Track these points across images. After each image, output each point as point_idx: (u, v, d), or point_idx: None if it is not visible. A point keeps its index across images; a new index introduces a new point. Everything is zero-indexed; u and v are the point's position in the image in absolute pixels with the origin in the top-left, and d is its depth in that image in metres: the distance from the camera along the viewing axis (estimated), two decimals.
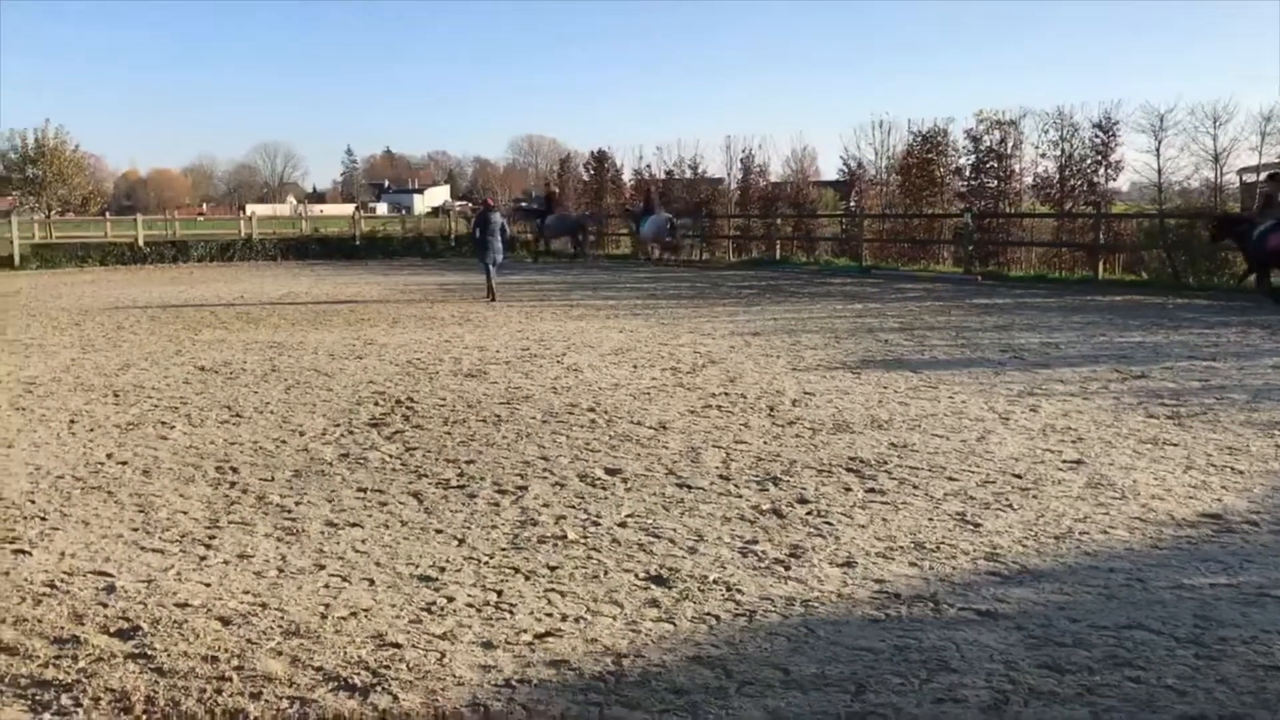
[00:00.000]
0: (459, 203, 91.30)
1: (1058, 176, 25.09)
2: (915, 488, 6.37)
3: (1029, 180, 26.38)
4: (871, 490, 6.34)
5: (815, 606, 4.53)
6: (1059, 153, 24.97)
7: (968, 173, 27.17)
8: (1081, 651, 4.02)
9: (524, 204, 43.06)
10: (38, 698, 3.73)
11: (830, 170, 36.79)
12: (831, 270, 26.33)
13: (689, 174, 35.32)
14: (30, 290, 22.28)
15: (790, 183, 33.25)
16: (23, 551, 5.31)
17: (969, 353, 11.98)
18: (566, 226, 31.98)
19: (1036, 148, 25.58)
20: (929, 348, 12.41)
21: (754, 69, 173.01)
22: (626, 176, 38.24)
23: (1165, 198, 23.65)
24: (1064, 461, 6.94)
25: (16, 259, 29.40)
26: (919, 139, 28.18)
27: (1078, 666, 3.89)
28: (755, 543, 5.40)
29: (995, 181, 26.23)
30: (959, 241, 25.27)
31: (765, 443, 7.62)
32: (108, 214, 51.15)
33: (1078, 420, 8.17)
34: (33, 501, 6.23)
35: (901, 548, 5.29)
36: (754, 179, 33.50)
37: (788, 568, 5.02)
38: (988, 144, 26.24)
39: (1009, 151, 26.08)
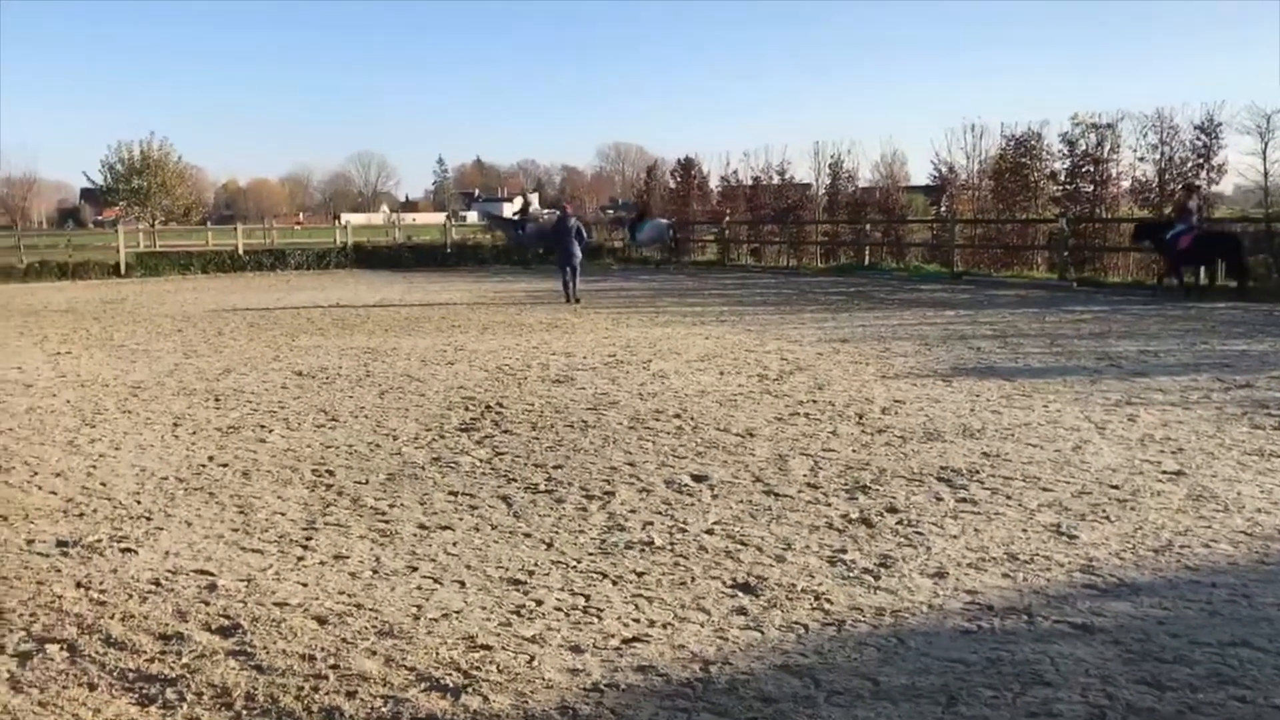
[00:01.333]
0: (546, 211, 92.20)
1: (1157, 180, 24.40)
2: (1008, 498, 6.26)
3: (1126, 184, 25.70)
4: (963, 500, 6.25)
5: (905, 617, 4.48)
6: (1158, 156, 24.27)
7: (1063, 177, 26.55)
8: (1183, 668, 3.91)
9: (611, 211, 43.32)
10: (144, 691, 3.86)
11: (920, 175, 36.33)
12: (922, 276, 25.98)
13: (776, 180, 35.15)
14: (136, 297, 23.07)
15: (879, 188, 32.89)
16: (130, 550, 5.51)
17: (1064, 361, 11.72)
18: (658, 233, 32.00)
19: (1134, 151, 24.88)
20: (1022, 355, 12.17)
21: (844, 74, 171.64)
22: (714, 183, 38.21)
23: (1272, 201, 22.82)
24: (1164, 473, 6.75)
25: (123, 267, 30.47)
26: (1012, 143, 27.66)
27: (1179, 684, 3.79)
28: (844, 552, 5.35)
29: (1091, 186, 25.58)
30: (1054, 247, 24.73)
31: (854, 451, 7.55)
32: (209, 223, 52.76)
33: (1178, 430, 7.95)
34: (139, 502, 6.45)
35: (994, 559, 5.20)
36: (842, 184, 33.22)
37: (877, 577, 4.97)
38: (1084, 148, 25.63)
39: (1106, 155, 25.42)
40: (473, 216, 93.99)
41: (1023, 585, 4.82)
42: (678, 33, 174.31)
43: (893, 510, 6.07)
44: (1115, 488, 6.41)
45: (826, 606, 4.61)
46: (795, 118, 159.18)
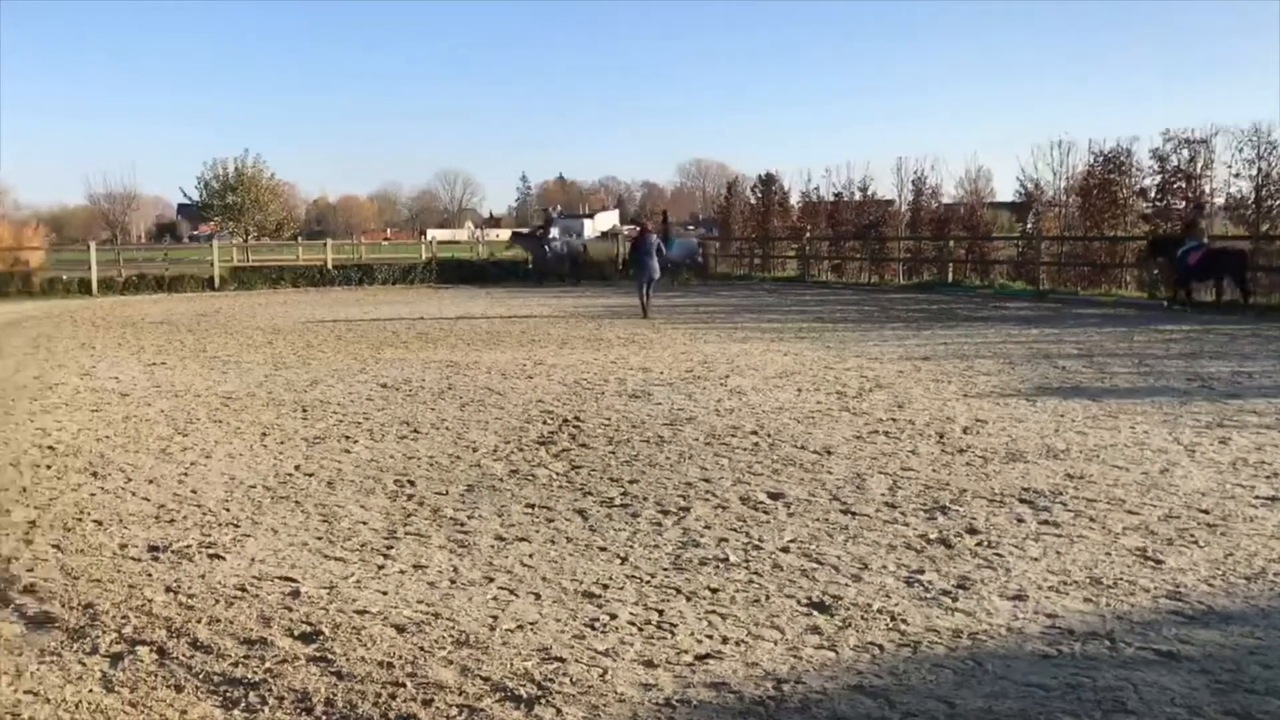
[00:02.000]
0: (627, 227, 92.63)
1: (1253, 197, 23.70)
2: (1092, 520, 6.13)
3: (1221, 201, 25.02)
4: (1045, 522, 6.13)
5: (983, 640, 4.41)
6: (1255, 172, 23.60)
7: (1153, 194, 25.97)
8: (1275, 700, 3.79)
9: (625, 230, 43.04)
10: (228, 694, 3.97)
11: (1006, 192, 35.88)
12: (1006, 294, 25.57)
13: (858, 196, 34.93)
14: (228, 310, 23.73)
15: (963, 204, 32.51)
16: (218, 556, 5.67)
17: (1152, 381, 11.45)
18: (686, 251, 31.60)
19: (1229, 167, 24.24)
20: (1109, 375, 11.91)
21: (927, 89, 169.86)
22: (794, 199, 38.10)
23: None
24: (1257, 498, 6.55)
25: (216, 281, 31.37)
26: (1100, 159, 27.14)
27: (1271, 716, 3.67)
28: (921, 572, 5.29)
29: (1183, 203, 24.96)
30: (1143, 265, 24.16)
31: (934, 470, 7.46)
32: (299, 238, 53.99)
33: (1273, 454, 7.70)
34: (228, 509, 6.64)
35: (1076, 582, 5.09)
36: (925, 201, 32.89)
37: (955, 599, 4.91)
38: (1175, 163, 25.04)
39: (1199, 171, 24.80)
40: (553, 233, 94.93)
41: (1105, 610, 4.72)
42: (759, 49, 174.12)
43: (972, 531, 5.98)
44: (1205, 512, 6.24)
45: (902, 627, 4.56)
46: (878, 133, 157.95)
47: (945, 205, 33.00)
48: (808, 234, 34.76)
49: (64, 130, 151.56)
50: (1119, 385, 11.20)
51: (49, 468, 7.80)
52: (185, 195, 58.61)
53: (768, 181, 38.74)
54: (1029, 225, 31.11)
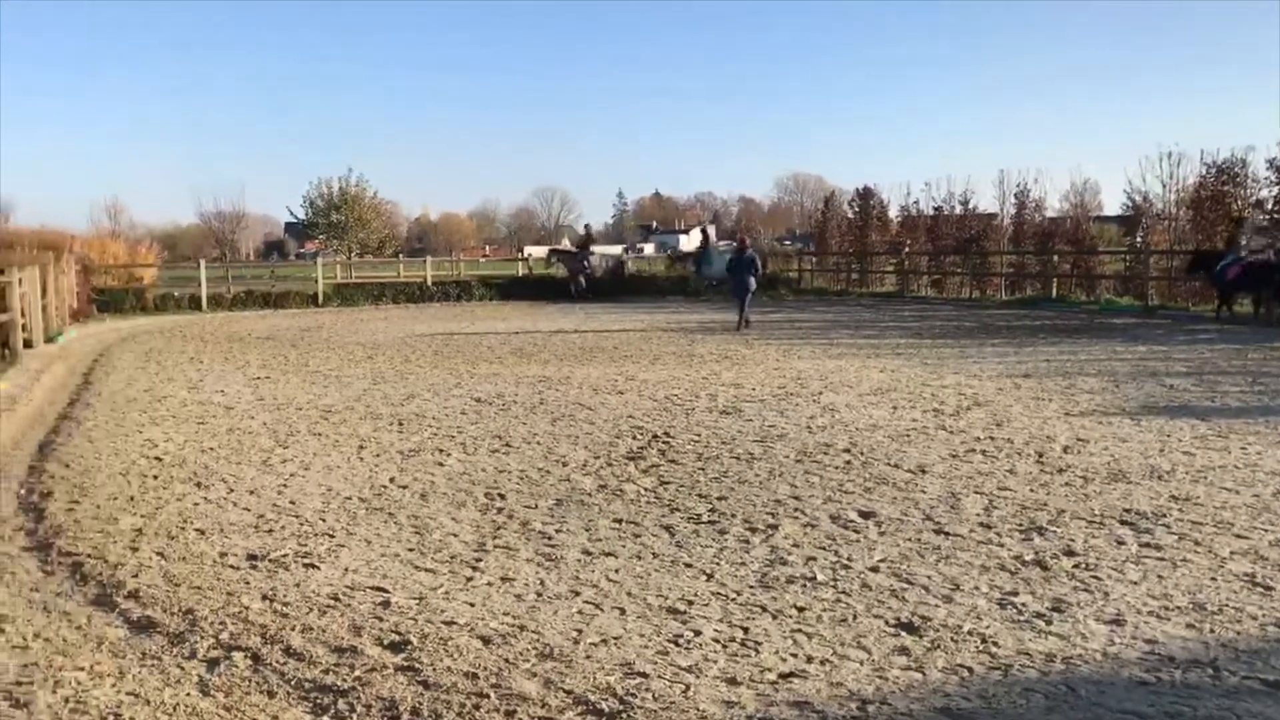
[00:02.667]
0: (723, 242, 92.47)
1: None
2: (1197, 544, 5.91)
3: None
4: (1147, 545, 5.93)
5: (1077, 664, 4.28)
6: None
7: (1270, 205, 25.00)
8: None
9: (670, 250, 42.32)
10: (318, 701, 4.05)
11: (1113, 205, 34.99)
12: (1113, 310, 24.88)
13: (958, 209, 34.36)
14: (331, 326, 24.33)
15: (1068, 218, 31.77)
16: (313, 566, 5.79)
17: (1266, 400, 11.00)
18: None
19: None
20: (1220, 394, 11.49)
21: (1031, 100, 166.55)
22: (893, 213, 37.66)
23: None
24: None
25: (320, 297, 32.19)
26: (1213, 170, 26.23)
27: None
28: (1015, 594, 5.16)
29: None
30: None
31: (1031, 490, 7.28)
32: (400, 256, 55.12)
33: None
34: (324, 520, 6.79)
35: (1178, 608, 4.91)
36: (1029, 214, 32.21)
37: (1049, 622, 4.77)
38: None
39: None
40: (649, 248, 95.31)
41: (1209, 637, 4.54)
42: (858, 63, 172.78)
43: (1070, 553, 5.81)
44: None
45: (993, 650, 4.45)
46: (979, 146, 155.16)
47: (1049, 219, 32.29)
48: (907, 248, 34.30)
49: (177, 151, 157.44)
50: (1230, 404, 10.80)
51: (156, 477, 8.08)
52: (291, 214, 60.46)
53: (865, 195, 38.36)
54: (1137, 239, 30.26)
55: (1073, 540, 6.05)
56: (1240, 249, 20.96)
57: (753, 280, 21.60)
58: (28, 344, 18.16)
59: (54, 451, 9.09)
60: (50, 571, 5.77)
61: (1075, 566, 5.58)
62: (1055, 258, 29.76)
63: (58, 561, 5.93)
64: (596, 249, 36.70)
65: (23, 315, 17.87)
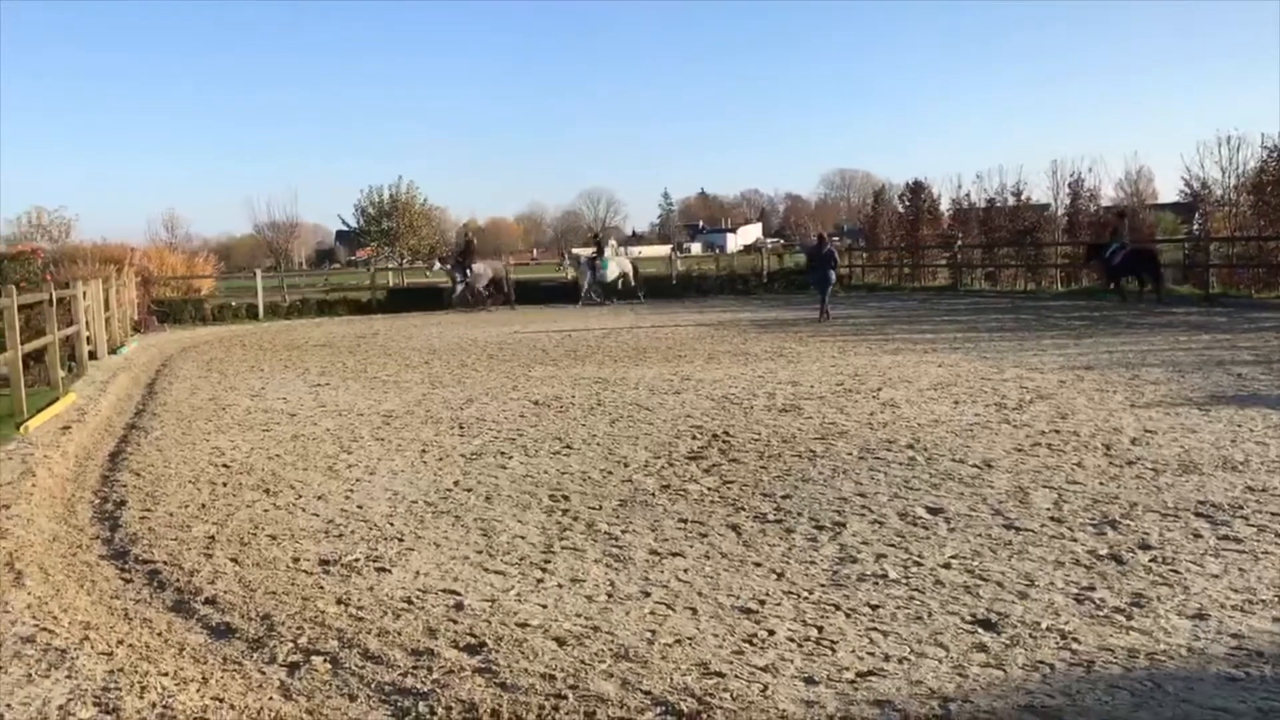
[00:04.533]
0: (771, 240, 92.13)
1: None
2: (1278, 536, 5.78)
3: None
4: (1225, 537, 5.82)
5: (1162, 660, 4.21)
6: None
7: None
8: None
9: (576, 252, 40.68)
10: (399, 703, 4.09)
11: (1169, 192, 34.34)
12: (1173, 299, 24.43)
13: (1011, 201, 33.93)
14: (386, 332, 24.56)
15: (1124, 206, 31.19)
16: (384, 570, 5.85)
17: None
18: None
19: None
20: None
21: (1084, 89, 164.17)
22: (944, 206, 37.28)
23: None
24: None
25: (374, 303, 32.49)
26: (1275, 154, 25.66)
27: None
28: (1092, 589, 5.08)
29: None
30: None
31: (1101, 483, 7.17)
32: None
33: None
34: (392, 524, 6.85)
35: (1263, 601, 4.81)
36: (1083, 204, 31.72)
37: (1129, 617, 4.70)
38: None
39: None
40: (696, 248, 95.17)
41: None
42: (904, 55, 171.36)
43: (1145, 547, 5.72)
44: None
45: (1074, 646, 4.39)
46: (1031, 136, 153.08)
47: (1104, 208, 31.77)
48: (959, 241, 33.94)
49: (231, 164, 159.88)
50: None
51: (225, 485, 8.20)
52: (343, 222, 61.13)
53: (916, 189, 37.99)
54: (1195, 227, 29.69)
55: (1148, 534, 5.96)
56: (1123, 237, 25.03)
57: (832, 274, 23.10)
58: (93, 355, 18.54)
59: (125, 461, 9.26)
60: (129, 579, 5.88)
61: (1152, 560, 5.49)
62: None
63: (135, 569, 6.04)
64: (493, 260, 35.27)
65: (87, 328, 18.23)
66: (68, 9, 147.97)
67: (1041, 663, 4.24)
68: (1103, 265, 25.57)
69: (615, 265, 32.84)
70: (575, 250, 39.16)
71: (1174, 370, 12.56)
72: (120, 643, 4.84)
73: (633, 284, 32.65)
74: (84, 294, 18.16)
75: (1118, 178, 34.68)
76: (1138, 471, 7.46)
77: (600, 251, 33.17)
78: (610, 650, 4.52)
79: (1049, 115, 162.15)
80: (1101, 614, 4.76)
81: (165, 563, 6.10)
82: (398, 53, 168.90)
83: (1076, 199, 31.85)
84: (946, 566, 5.53)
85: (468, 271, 31.10)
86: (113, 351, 20.58)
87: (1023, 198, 33.83)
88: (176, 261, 37.89)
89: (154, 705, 4.12)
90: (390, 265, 47.16)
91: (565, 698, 4.04)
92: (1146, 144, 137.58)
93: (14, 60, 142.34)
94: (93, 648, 4.78)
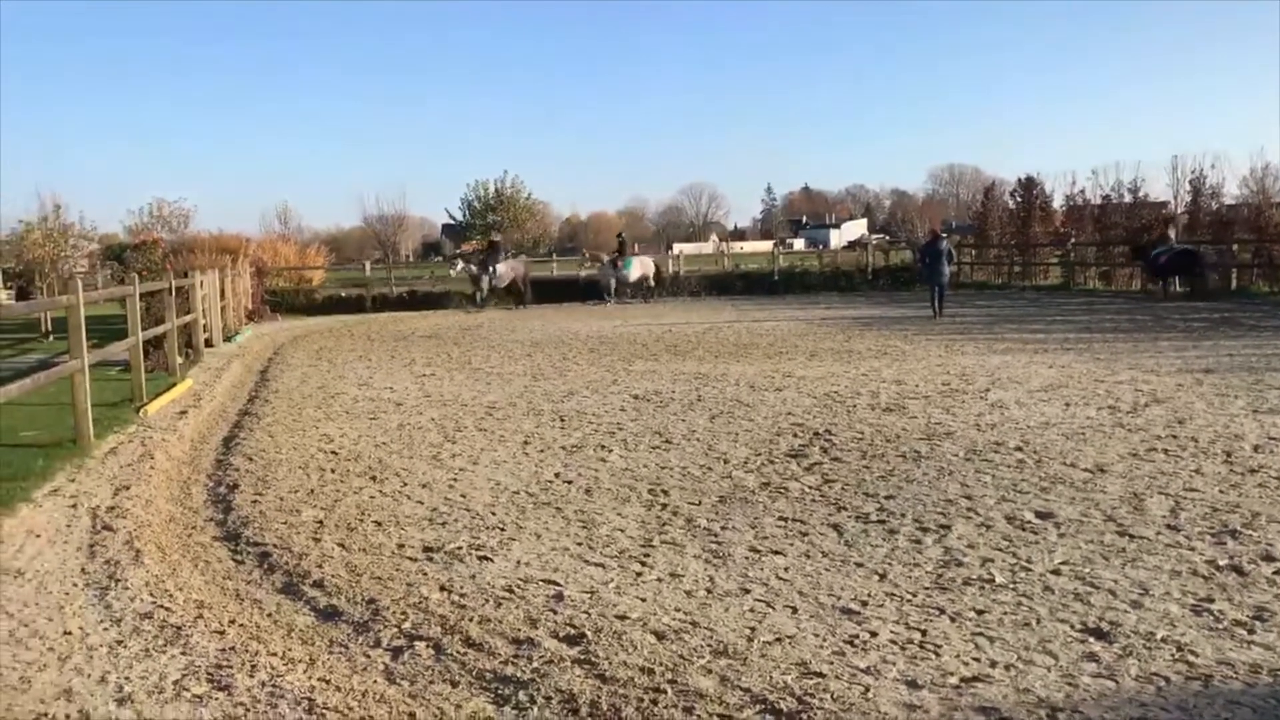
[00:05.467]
0: (875, 236, 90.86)
1: None
2: None
3: None
4: None
5: None
6: None
7: None
8: None
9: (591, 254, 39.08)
10: (499, 691, 4.13)
11: None
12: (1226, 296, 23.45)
13: (1128, 198, 32.89)
14: (490, 324, 24.89)
15: (1248, 204, 30.00)
16: (486, 558, 5.92)
17: None
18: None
19: None
20: None
21: (1205, 83, 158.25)
22: (1057, 203, 36.33)
23: None
24: None
25: (479, 297, 32.91)
26: None
27: None
28: (1211, 601, 4.89)
29: None
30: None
31: (1221, 491, 6.89)
32: (553, 255, 55.97)
33: None
34: (493, 513, 6.93)
35: None
36: (1204, 201, 30.58)
37: (1251, 631, 4.50)
38: None
39: None
40: (799, 243, 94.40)
41: None
42: (1018, 50, 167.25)
43: (1269, 558, 5.48)
44: None
45: (1190, 659, 4.23)
46: (1150, 132, 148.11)
47: (1228, 206, 30.59)
48: (1073, 239, 33.02)
49: (343, 159, 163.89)
50: None
51: (333, 471, 8.40)
52: (450, 215, 62.08)
53: (1028, 185, 37.10)
54: None
55: (1271, 545, 5.71)
56: (1170, 241, 26.30)
57: (946, 270, 23.12)
58: (208, 343, 19.18)
59: (238, 446, 9.55)
60: (240, 561, 6.06)
61: (1276, 573, 5.25)
62: (1235, 247, 28.18)
63: (246, 551, 6.22)
64: (511, 257, 34.43)
65: (204, 316, 18.87)
66: (192, 4, 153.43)
67: (1156, 675, 4.09)
68: (1149, 266, 26.73)
69: (638, 265, 32.52)
70: (596, 252, 38.27)
71: None
72: (232, 622, 4.99)
73: (653, 285, 32.43)
74: (201, 283, 18.79)
75: (1242, 174, 33.24)
76: (1260, 480, 7.16)
77: (622, 251, 32.85)
78: (709, 646, 4.50)
79: (1169, 111, 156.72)
80: (1221, 627, 4.57)
81: (275, 545, 6.26)
82: (504, 48, 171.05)
83: (1198, 196, 30.71)
84: (1056, 573, 5.37)
85: (492, 270, 30.72)
86: (227, 339, 21.26)
87: (1140, 195, 32.79)
88: (289, 252, 38.93)
89: (263, 684, 4.24)
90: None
91: (664, 692, 4.03)
92: (1274, 140, 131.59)
93: (138, 53, 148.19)
94: (206, 626, 4.93)
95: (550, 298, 32.42)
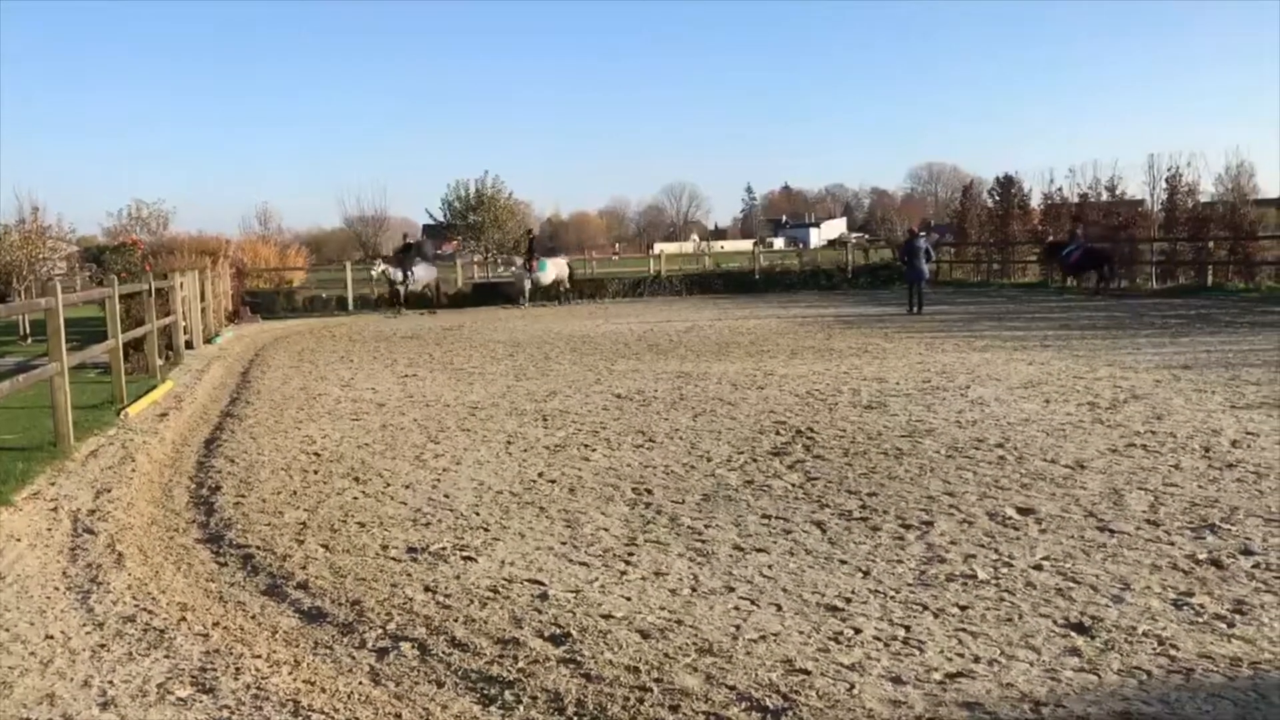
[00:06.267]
0: (855, 235, 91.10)
1: None
2: None
3: None
4: None
5: (1266, 670, 4.06)
6: None
7: None
8: None
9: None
10: (485, 691, 4.13)
11: (1273, 187, 33.22)
12: (1275, 298, 23.61)
13: (1105, 196, 33.09)
14: (471, 325, 24.84)
15: (1223, 202, 30.23)
16: (470, 559, 5.92)
17: None
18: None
19: None
20: None
21: (1183, 82, 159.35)
22: (1035, 202, 36.51)
23: None
24: None
25: (460, 297, 32.85)
26: None
27: None
28: (1191, 595, 4.93)
29: None
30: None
31: (1200, 486, 6.96)
32: (535, 255, 55.82)
33: None
34: (477, 513, 6.93)
35: None
36: (1181, 199, 30.79)
37: (1231, 624, 4.55)
38: None
39: None
40: (779, 242, 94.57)
41: None
42: (990, 47, 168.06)
43: (1247, 552, 5.53)
44: None
45: (1172, 652, 4.27)
46: (1126, 131, 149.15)
47: (1203, 204, 30.80)
48: (1050, 238, 33.21)
49: (323, 159, 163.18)
50: None
51: (316, 473, 8.37)
52: (430, 215, 61.72)
53: (1006, 184, 37.26)
54: None
55: (1249, 539, 5.77)
56: (1078, 239, 28.02)
57: (925, 267, 23.70)
58: (189, 345, 19.07)
59: (219, 447, 9.51)
60: (223, 562, 6.03)
61: (1255, 566, 5.31)
62: (1210, 244, 28.41)
63: (230, 553, 6.20)
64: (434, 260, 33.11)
65: (184, 317, 18.76)
66: (159, 8, 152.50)
67: (1138, 669, 4.13)
68: (1061, 263, 28.37)
69: (553, 268, 32.19)
70: (509, 255, 37.24)
71: (1277, 370, 12.13)
72: (216, 624, 4.97)
73: (567, 287, 32.19)
74: (181, 285, 18.68)
75: (1217, 172, 33.49)
76: (1238, 475, 7.22)
77: (532, 252, 32.51)
78: (694, 644, 4.51)
79: (1146, 109, 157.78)
80: (1201, 620, 4.61)
81: (258, 547, 6.24)
82: (482, 49, 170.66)
83: (1174, 194, 30.91)
84: (1038, 568, 5.41)
85: (409, 274, 29.91)
86: (208, 341, 21.14)
87: (1117, 193, 32.99)
88: (269, 254, 38.80)
89: (248, 686, 4.23)
90: (475, 259, 47.57)
91: (649, 690, 4.04)
92: (1249, 138, 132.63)
93: (113, 58, 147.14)
94: (190, 629, 4.92)
95: (466, 302, 32.06)
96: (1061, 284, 29.32)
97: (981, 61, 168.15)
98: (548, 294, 32.03)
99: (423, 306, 30.56)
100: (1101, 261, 27.57)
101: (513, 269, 32.50)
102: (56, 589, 5.59)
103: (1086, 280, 28.16)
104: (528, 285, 31.44)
